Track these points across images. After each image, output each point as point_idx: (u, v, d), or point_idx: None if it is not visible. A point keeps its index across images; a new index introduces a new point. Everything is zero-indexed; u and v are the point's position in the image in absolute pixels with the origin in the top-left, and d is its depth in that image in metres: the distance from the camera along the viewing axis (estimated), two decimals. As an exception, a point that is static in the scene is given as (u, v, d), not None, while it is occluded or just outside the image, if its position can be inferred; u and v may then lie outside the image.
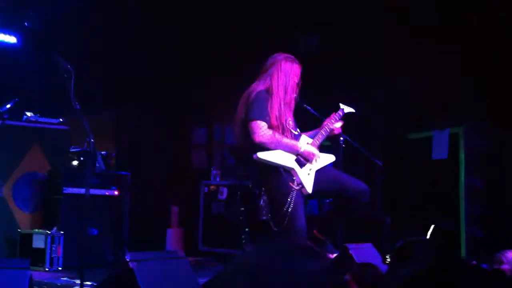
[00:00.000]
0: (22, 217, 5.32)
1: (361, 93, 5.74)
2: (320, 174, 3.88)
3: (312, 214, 5.35)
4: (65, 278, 4.50)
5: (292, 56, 3.97)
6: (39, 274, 4.64)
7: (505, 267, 3.50)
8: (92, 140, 4.10)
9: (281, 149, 3.73)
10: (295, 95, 3.94)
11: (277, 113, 3.78)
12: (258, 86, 3.86)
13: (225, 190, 6.08)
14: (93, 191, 5.19)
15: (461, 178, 4.99)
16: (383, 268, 3.94)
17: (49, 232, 4.92)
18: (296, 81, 3.94)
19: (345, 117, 4.15)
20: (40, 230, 5.02)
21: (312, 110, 4.23)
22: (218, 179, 6.35)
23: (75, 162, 5.48)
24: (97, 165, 5.63)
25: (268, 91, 3.83)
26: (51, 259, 4.89)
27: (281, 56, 3.94)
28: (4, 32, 6.04)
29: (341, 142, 4.36)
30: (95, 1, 6.42)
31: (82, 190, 5.03)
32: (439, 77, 5.43)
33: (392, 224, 5.30)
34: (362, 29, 5.86)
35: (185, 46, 6.97)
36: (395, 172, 5.53)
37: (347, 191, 3.92)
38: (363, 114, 4.44)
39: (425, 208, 5.26)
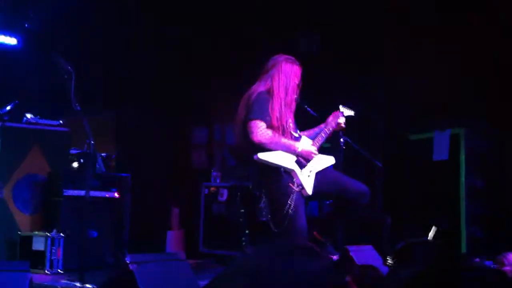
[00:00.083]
0: (22, 219, 5.31)
1: (361, 93, 5.74)
2: (320, 175, 3.88)
3: (312, 215, 5.34)
4: (65, 281, 4.48)
5: (293, 58, 3.98)
6: (39, 277, 4.64)
7: (507, 268, 3.50)
8: (92, 142, 4.10)
9: (279, 149, 3.73)
10: (295, 96, 3.94)
11: (278, 114, 3.78)
12: (259, 87, 3.86)
13: (225, 192, 6.08)
14: (93, 193, 5.17)
15: (462, 179, 4.99)
16: (384, 270, 3.94)
17: (49, 234, 4.91)
18: (297, 82, 3.94)
19: (345, 119, 4.15)
20: (40, 232, 5.01)
21: (312, 112, 4.23)
22: (218, 181, 6.34)
23: (75, 164, 5.48)
24: (97, 167, 5.62)
25: (269, 92, 3.83)
26: (51, 262, 4.88)
27: (281, 57, 3.95)
28: (5, 34, 6.04)
29: (342, 144, 4.36)
30: (95, 1, 6.42)
31: (82, 192, 5.03)
32: (439, 77, 5.43)
33: (392, 225, 5.30)
34: (362, 29, 5.86)
35: (185, 46, 6.97)
36: (395, 173, 5.53)
37: (347, 192, 3.92)
38: (363, 114, 4.44)
39: (425, 209, 5.26)
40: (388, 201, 5.64)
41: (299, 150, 3.78)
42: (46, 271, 4.86)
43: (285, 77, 3.88)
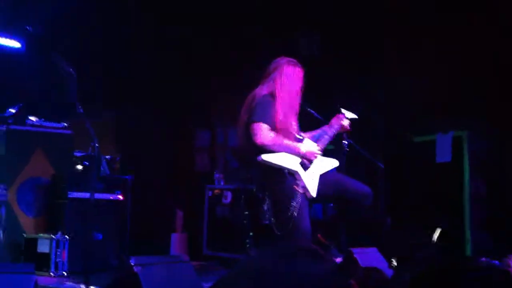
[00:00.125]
0: (27, 222, 5.32)
1: (361, 93, 5.75)
2: (323, 178, 3.89)
3: (316, 218, 5.35)
4: (70, 283, 4.51)
5: (295, 60, 3.99)
6: (44, 279, 4.65)
7: (512, 270, 3.50)
8: (96, 145, 4.12)
9: (282, 151, 3.74)
10: (298, 99, 3.95)
11: (281, 117, 3.79)
12: (262, 90, 3.88)
13: (229, 194, 6.08)
14: (97, 196, 5.18)
15: (465, 181, 4.99)
16: (389, 272, 3.94)
17: (53, 237, 4.92)
18: (299, 84, 3.95)
19: (351, 120, 4.17)
20: (45, 235, 5.02)
21: (315, 114, 4.24)
22: (222, 183, 6.35)
23: (79, 167, 5.49)
24: (101, 169, 5.64)
25: (272, 95, 3.84)
26: (56, 264, 4.89)
27: (283, 60, 3.96)
28: (8, 37, 6.06)
29: (345, 146, 4.37)
30: (95, 1, 6.43)
31: (87, 195, 5.05)
32: (439, 77, 5.43)
33: (395, 227, 5.30)
34: (362, 29, 5.86)
35: (185, 46, 6.98)
36: (398, 175, 5.53)
37: (350, 194, 3.93)
38: (363, 114, 4.45)
39: (428, 211, 5.26)
40: (391, 203, 5.63)
41: (303, 151, 3.79)
42: (51, 273, 4.87)
43: (288, 80, 3.89)
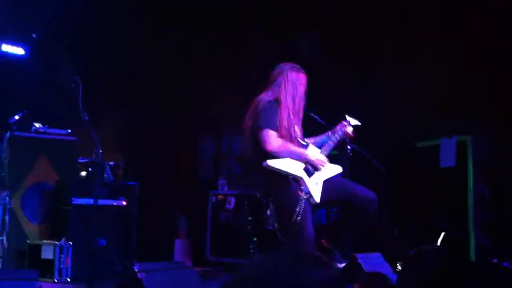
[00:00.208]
0: (31, 228, 5.33)
1: (361, 93, 5.75)
2: (327, 183, 3.88)
3: (320, 223, 5.34)
4: (73, 289, 4.51)
5: (298, 66, 3.99)
6: (48, 285, 4.66)
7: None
8: (100, 151, 4.13)
9: (291, 158, 3.74)
10: (302, 105, 3.96)
11: (286, 123, 3.80)
12: (267, 96, 3.88)
13: (232, 200, 6.07)
14: (101, 202, 5.19)
15: (470, 186, 4.99)
16: (393, 277, 3.93)
17: (57, 243, 4.93)
18: (303, 90, 3.96)
19: (355, 128, 4.17)
20: (49, 241, 5.03)
21: (318, 119, 4.24)
22: (226, 189, 6.34)
23: (83, 173, 5.50)
24: (105, 175, 5.65)
25: (277, 101, 3.85)
26: (60, 270, 4.89)
27: (287, 66, 3.96)
28: (12, 44, 6.09)
29: (349, 151, 4.37)
30: (95, 1, 6.45)
31: (91, 201, 5.07)
32: (439, 77, 5.43)
33: (399, 232, 5.29)
34: (362, 29, 5.87)
35: (185, 46, 7.00)
36: (402, 180, 5.52)
37: (354, 199, 3.91)
38: (363, 115, 4.45)
39: (433, 215, 5.25)
40: (395, 208, 5.62)
41: (310, 158, 3.79)
42: (54, 280, 4.88)
43: (292, 86, 3.89)
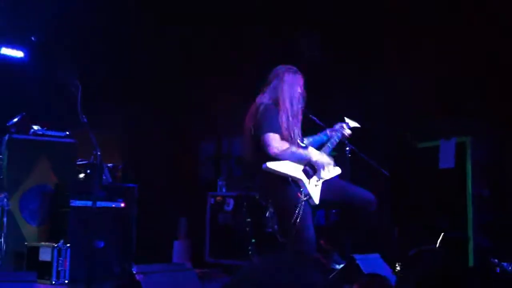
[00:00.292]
0: (29, 230, 5.33)
1: (361, 93, 5.75)
2: (327, 185, 3.87)
3: (318, 224, 5.34)
4: (72, 291, 4.50)
5: (294, 67, 3.98)
6: (46, 287, 4.65)
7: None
8: (98, 153, 4.12)
9: (294, 160, 3.73)
10: (301, 106, 3.95)
11: (286, 125, 3.79)
12: (264, 99, 3.87)
13: (231, 201, 6.07)
14: (100, 204, 5.19)
15: (468, 187, 4.98)
16: (392, 278, 3.92)
17: (55, 245, 4.92)
18: (300, 91, 3.95)
19: (354, 130, 4.16)
20: (47, 243, 5.02)
21: (317, 121, 4.23)
22: (224, 190, 6.33)
23: (82, 175, 5.50)
24: (103, 177, 5.64)
25: (275, 104, 3.84)
26: (58, 272, 4.88)
27: (283, 68, 3.96)
28: (11, 47, 6.09)
29: (347, 152, 4.36)
30: (95, 1, 6.45)
31: (89, 203, 5.07)
32: (439, 77, 5.42)
33: (399, 233, 5.27)
34: (362, 29, 5.86)
35: (185, 46, 6.99)
36: (401, 181, 5.51)
37: (354, 201, 3.90)
38: (364, 115, 4.43)
39: (432, 216, 5.24)
40: (395, 209, 5.61)
41: (315, 159, 3.78)
42: (52, 282, 4.87)
43: (289, 88, 3.89)
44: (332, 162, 3.84)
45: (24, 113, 5.45)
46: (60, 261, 4.88)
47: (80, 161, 5.63)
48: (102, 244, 5.19)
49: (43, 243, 5.09)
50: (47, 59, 6.18)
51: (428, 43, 5.53)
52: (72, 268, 4.91)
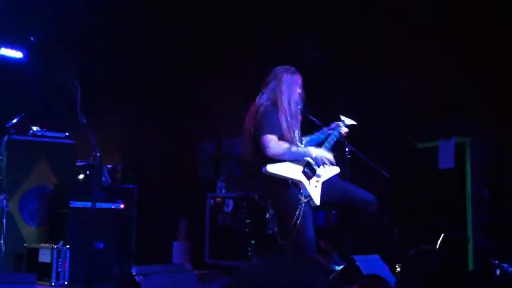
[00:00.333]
0: (29, 231, 5.33)
1: (361, 93, 5.74)
2: (327, 185, 3.87)
3: (318, 225, 5.33)
4: (71, 292, 4.50)
5: (292, 68, 3.98)
6: (45, 289, 4.66)
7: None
8: (98, 154, 4.12)
9: (294, 158, 3.72)
10: (300, 106, 3.95)
11: (285, 126, 3.79)
12: (263, 100, 3.87)
13: (231, 202, 6.07)
14: (99, 205, 5.19)
15: (468, 187, 4.97)
16: (391, 279, 3.92)
17: (55, 246, 4.92)
18: (299, 92, 3.94)
19: (350, 127, 4.15)
20: (47, 245, 5.02)
21: (317, 121, 4.22)
22: (224, 191, 6.33)
23: (81, 176, 5.50)
24: (103, 178, 5.64)
25: (274, 105, 3.84)
26: (57, 274, 4.88)
27: (281, 69, 3.95)
28: (10, 48, 6.09)
29: (347, 153, 4.35)
30: (95, 1, 6.44)
31: (89, 204, 5.06)
32: (439, 77, 5.42)
33: (399, 234, 5.27)
34: (362, 29, 5.85)
35: (185, 46, 6.99)
36: (401, 181, 5.50)
37: (354, 201, 3.90)
38: (364, 115, 4.42)
39: (432, 217, 5.24)
40: (394, 209, 5.61)
41: (315, 155, 3.78)
42: (52, 283, 4.87)
43: (287, 88, 3.88)
44: (331, 156, 3.83)
45: (23, 114, 5.45)
46: (60, 263, 4.88)
47: (79, 162, 5.63)
48: (101, 245, 5.19)
49: (42, 244, 5.08)
50: (46, 59, 6.17)
51: (428, 43, 5.52)
52: (72, 269, 4.92)
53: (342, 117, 4.13)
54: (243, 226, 5.56)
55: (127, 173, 6.16)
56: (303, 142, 3.96)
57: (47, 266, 4.89)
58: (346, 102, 5.75)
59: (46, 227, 5.39)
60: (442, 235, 4.58)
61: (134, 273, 3.66)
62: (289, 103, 3.85)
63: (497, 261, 3.88)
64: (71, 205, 5.21)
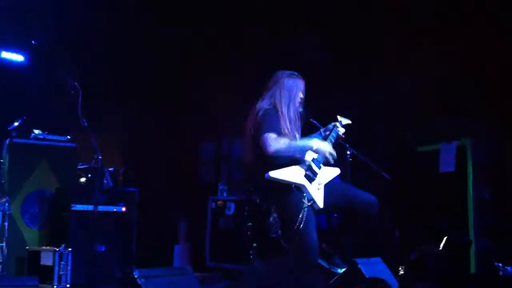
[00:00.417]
0: (30, 234, 5.34)
1: (361, 93, 5.74)
2: (329, 188, 3.87)
3: (320, 228, 5.33)
4: (73, 296, 4.50)
5: (296, 73, 3.97)
6: (47, 292, 4.66)
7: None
8: (99, 157, 4.12)
9: (295, 153, 3.72)
10: (300, 110, 3.94)
11: (287, 131, 3.79)
12: (264, 104, 3.87)
13: (232, 206, 6.07)
14: (101, 208, 5.19)
15: (469, 190, 4.97)
16: (394, 282, 3.92)
17: (57, 249, 4.92)
18: (301, 96, 3.94)
19: (346, 127, 4.16)
20: (48, 247, 5.02)
21: (318, 124, 4.22)
22: (225, 194, 6.33)
23: (83, 179, 5.50)
24: (104, 181, 5.64)
25: (275, 108, 3.84)
26: (59, 276, 4.88)
27: (284, 73, 3.95)
28: (12, 51, 6.08)
29: (348, 156, 4.35)
30: (95, 2, 6.44)
31: (90, 207, 5.08)
32: (439, 77, 5.42)
33: (401, 235, 5.27)
34: (362, 29, 5.85)
35: (185, 46, 6.98)
36: (402, 183, 5.50)
37: (355, 203, 3.90)
38: (364, 115, 4.42)
39: (433, 220, 5.24)
40: (396, 212, 5.61)
41: (315, 147, 3.78)
42: (54, 286, 4.87)
43: (288, 93, 3.88)
44: (331, 148, 3.83)
45: (24, 117, 5.45)
46: (62, 265, 4.88)
47: (81, 165, 5.63)
48: (103, 248, 5.20)
49: (44, 247, 5.08)
50: (47, 62, 6.16)
51: (428, 43, 5.52)
52: (74, 272, 4.91)
53: (339, 117, 4.13)
54: (244, 229, 5.56)
55: (127, 175, 6.16)
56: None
57: (49, 269, 4.89)
58: (346, 102, 5.75)
59: (48, 230, 5.40)
60: (445, 237, 4.58)
61: (135, 276, 3.67)
62: (288, 108, 3.85)
63: (500, 264, 3.89)
64: (73, 208, 5.21)
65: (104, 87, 6.71)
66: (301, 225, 3.62)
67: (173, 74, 7.04)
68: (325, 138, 4.02)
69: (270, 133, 3.70)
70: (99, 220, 5.05)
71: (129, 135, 7.37)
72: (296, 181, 3.72)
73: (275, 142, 3.68)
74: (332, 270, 3.98)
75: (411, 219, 5.49)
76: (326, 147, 3.81)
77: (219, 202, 6.17)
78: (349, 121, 4.15)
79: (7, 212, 5.08)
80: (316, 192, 3.77)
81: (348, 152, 4.34)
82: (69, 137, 5.61)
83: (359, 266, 4.01)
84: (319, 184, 3.81)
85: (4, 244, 5.03)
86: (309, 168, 3.77)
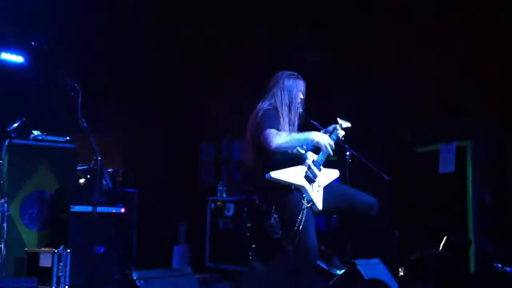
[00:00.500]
0: (29, 236, 5.33)
1: (361, 93, 5.74)
2: (328, 189, 3.86)
3: (319, 230, 5.33)
4: (72, 297, 4.50)
5: (296, 73, 3.96)
6: (46, 293, 4.65)
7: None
8: (99, 158, 4.11)
9: (297, 145, 3.72)
10: (300, 111, 3.94)
11: (286, 129, 3.78)
12: (264, 105, 3.86)
13: (231, 206, 6.06)
14: (100, 209, 5.19)
15: (469, 191, 4.97)
16: (393, 284, 3.91)
17: (56, 251, 4.91)
18: (302, 97, 3.94)
19: (346, 130, 4.15)
20: (47, 249, 5.02)
21: (318, 126, 4.21)
22: (224, 195, 6.32)
23: (82, 180, 5.50)
24: (104, 182, 5.64)
25: (275, 109, 3.83)
26: (58, 278, 4.87)
27: (284, 74, 3.94)
28: (11, 52, 6.08)
29: (347, 157, 4.34)
30: (95, 2, 6.44)
31: (90, 208, 5.07)
32: (439, 77, 5.41)
33: (400, 237, 5.26)
34: (362, 29, 5.85)
35: (185, 46, 6.98)
36: (402, 184, 5.50)
37: (355, 205, 3.89)
38: (364, 115, 4.41)
39: (433, 221, 5.23)
40: (396, 214, 5.60)
41: (316, 140, 3.77)
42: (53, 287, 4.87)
43: (288, 94, 3.88)
44: (332, 143, 3.82)
45: (23, 118, 5.44)
46: (61, 267, 4.88)
47: (80, 166, 5.63)
48: (102, 250, 5.19)
49: (43, 248, 5.08)
50: (47, 63, 6.16)
51: (428, 43, 5.52)
52: (73, 273, 4.90)
53: (339, 120, 4.12)
54: (244, 230, 5.56)
55: (127, 177, 6.16)
56: (304, 147, 3.95)
57: (48, 270, 4.88)
58: (346, 102, 5.75)
59: (47, 231, 5.39)
60: (445, 238, 4.58)
61: (134, 278, 3.66)
62: (289, 109, 3.85)
63: (499, 265, 3.88)
64: (72, 209, 5.20)
65: (104, 87, 6.71)
66: (300, 227, 3.61)
67: (173, 74, 7.03)
68: None
69: (270, 129, 3.70)
70: (98, 221, 5.04)
71: (129, 136, 7.37)
72: (296, 182, 3.71)
73: (277, 136, 3.67)
74: (331, 271, 3.98)
75: (411, 220, 5.48)
76: (327, 139, 3.80)
77: (219, 203, 6.17)
78: (349, 124, 4.14)
79: (6, 213, 5.07)
80: (316, 194, 3.77)
81: (348, 153, 4.33)
82: (68, 138, 5.60)
83: (358, 267, 4.01)
84: (318, 186, 3.80)
85: (3, 245, 5.03)
86: (309, 169, 3.77)
